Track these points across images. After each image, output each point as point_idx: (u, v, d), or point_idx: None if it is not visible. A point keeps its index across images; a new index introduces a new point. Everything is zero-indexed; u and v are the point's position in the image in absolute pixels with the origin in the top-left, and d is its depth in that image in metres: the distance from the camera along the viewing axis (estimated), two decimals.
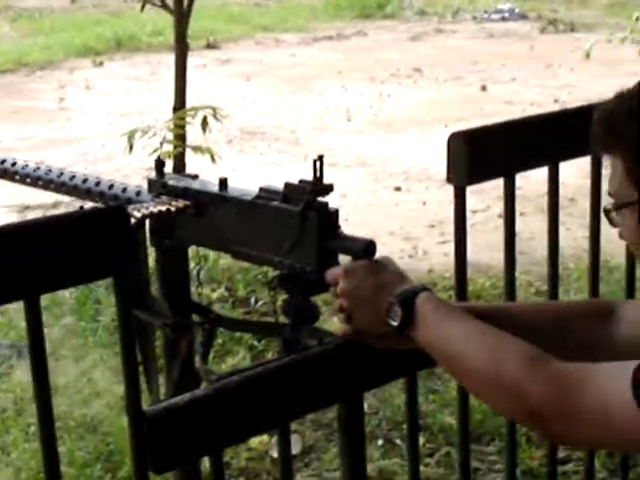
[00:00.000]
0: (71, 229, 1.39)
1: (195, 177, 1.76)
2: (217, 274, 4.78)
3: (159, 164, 1.78)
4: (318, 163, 1.46)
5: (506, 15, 14.50)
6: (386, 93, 9.66)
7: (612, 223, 1.39)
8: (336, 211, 1.51)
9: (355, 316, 1.44)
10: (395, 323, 1.38)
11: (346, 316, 1.45)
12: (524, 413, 1.25)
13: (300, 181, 1.51)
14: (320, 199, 1.50)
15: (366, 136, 8.09)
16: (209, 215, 1.66)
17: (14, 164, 1.96)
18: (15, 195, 6.04)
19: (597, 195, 2.08)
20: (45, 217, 1.39)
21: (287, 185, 1.53)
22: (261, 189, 1.58)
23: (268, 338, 3.77)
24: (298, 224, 1.50)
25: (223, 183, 1.65)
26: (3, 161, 1.98)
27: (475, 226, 5.23)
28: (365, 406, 3.66)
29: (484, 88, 9.61)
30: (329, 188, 1.49)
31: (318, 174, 1.47)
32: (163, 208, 1.66)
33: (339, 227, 1.52)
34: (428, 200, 6.23)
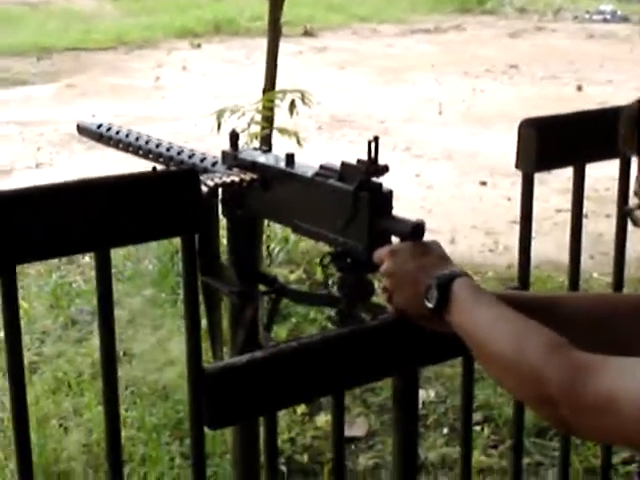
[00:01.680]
0: (144, 188, 1.45)
1: (267, 151, 1.80)
2: (296, 256, 4.83)
3: (233, 137, 1.83)
4: (373, 144, 1.47)
5: (608, 17, 14.31)
6: (480, 88, 9.61)
7: (636, 223, 1.38)
8: (390, 192, 1.52)
9: (395, 296, 1.45)
10: (431, 305, 1.39)
11: (388, 296, 1.47)
12: (540, 400, 1.24)
13: (358, 161, 1.52)
14: (375, 179, 1.51)
15: (456, 130, 8.07)
16: (274, 189, 1.71)
17: (109, 129, 2.06)
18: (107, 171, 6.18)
19: (626, 195, 2.04)
20: (120, 175, 1.45)
21: (343, 164, 1.55)
22: (321, 166, 1.61)
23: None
24: (351, 203, 1.51)
25: (290, 158, 1.69)
26: (99, 126, 2.08)
27: (559, 225, 5.19)
28: (433, 394, 3.69)
29: (580, 88, 9.50)
30: (384, 169, 1.50)
31: (373, 155, 1.48)
32: (231, 179, 1.71)
33: (392, 208, 1.52)
34: (513, 196, 6.19)
